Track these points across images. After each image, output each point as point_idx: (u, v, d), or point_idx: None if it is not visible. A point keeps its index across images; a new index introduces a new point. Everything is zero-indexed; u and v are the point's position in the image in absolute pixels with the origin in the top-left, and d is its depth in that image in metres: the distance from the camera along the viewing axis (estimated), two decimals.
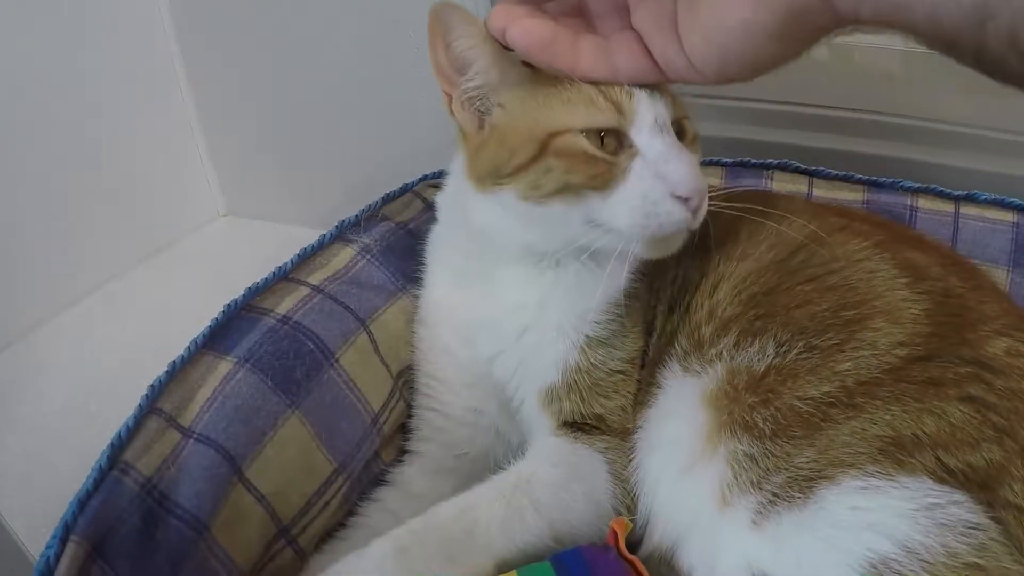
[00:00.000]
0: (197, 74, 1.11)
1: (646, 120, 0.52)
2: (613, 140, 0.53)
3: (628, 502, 0.57)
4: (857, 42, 1.21)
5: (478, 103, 0.55)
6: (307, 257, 0.64)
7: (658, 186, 0.51)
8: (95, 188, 1.03)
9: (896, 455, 0.46)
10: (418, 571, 0.48)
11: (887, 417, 0.48)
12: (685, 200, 0.51)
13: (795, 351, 0.52)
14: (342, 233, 0.66)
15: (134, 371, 0.84)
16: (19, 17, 0.94)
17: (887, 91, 0.89)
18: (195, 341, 0.57)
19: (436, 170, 0.73)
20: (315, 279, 0.62)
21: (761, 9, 0.42)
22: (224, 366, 0.56)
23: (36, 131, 0.96)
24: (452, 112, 0.56)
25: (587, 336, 0.59)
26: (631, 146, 0.53)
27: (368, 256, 0.65)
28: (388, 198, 0.71)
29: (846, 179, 0.78)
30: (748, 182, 0.78)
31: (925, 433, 0.47)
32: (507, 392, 0.62)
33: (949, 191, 0.76)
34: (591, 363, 0.58)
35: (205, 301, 0.92)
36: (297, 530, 0.57)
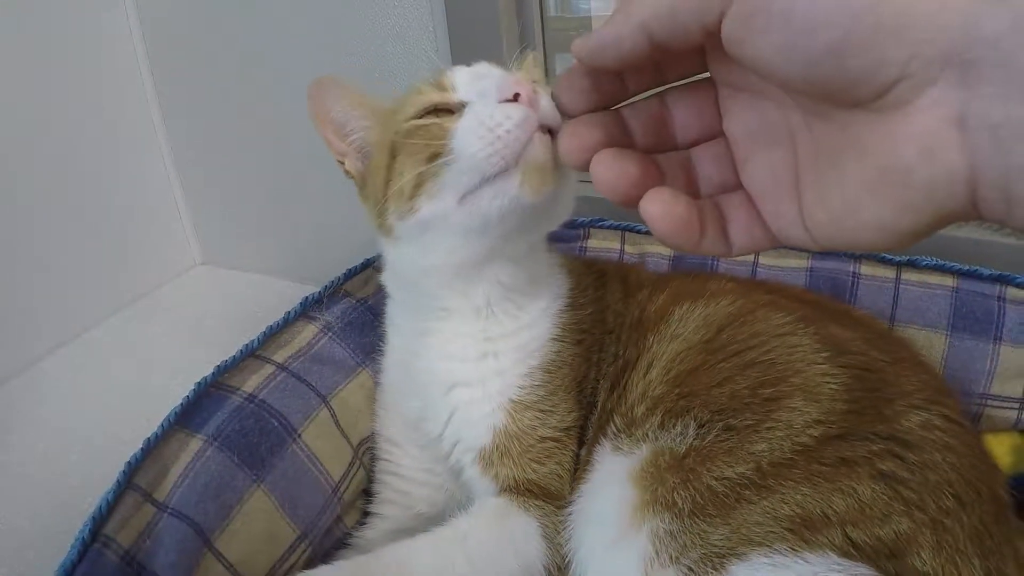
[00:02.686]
0: (175, 126, 1.13)
1: (470, 91, 0.56)
2: (444, 112, 0.56)
3: (559, 563, 0.61)
4: None
5: (362, 152, 0.63)
6: (273, 334, 0.68)
7: (486, 106, 0.52)
8: (73, 237, 1.05)
9: (803, 533, 0.50)
10: None
11: (797, 497, 0.51)
12: (515, 98, 0.51)
13: (714, 432, 0.56)
14: (306, 310, 0.71)
15: (112, 418, 0.88)
16: (0, 71, 0.95)
17: None
18: (168, 419, 0.61)
19: None
20: (280, 356, 0.67)
21: (906, 215, 0.34)
22: (195, 444, 0.60)
23: (14, 180, 0.98)
24: (347, 172, 0.64)
25: (511, 400, 0.62)
26: (461, 106, 0.55)
27: (330, 333, 0.70)
28: (350, 274, 0.75)
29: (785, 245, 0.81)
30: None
31: (834, 511, 0.50)
32: (446, 454, 0.66)
33: (891, 257, 0.78)
34: (519, 428, 0.62)
35: (181, 349, 0.95)
36: None
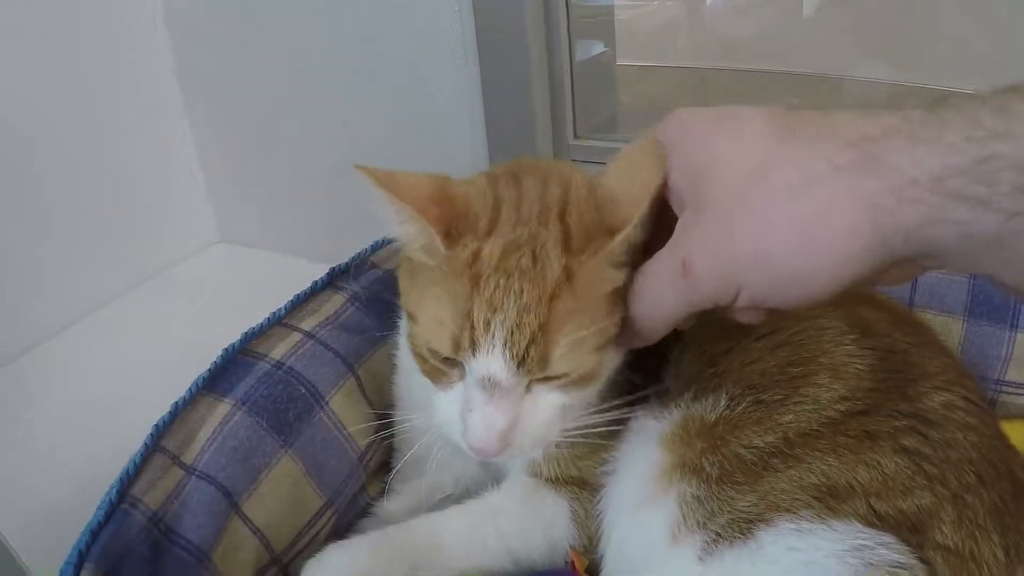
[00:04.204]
0: (196, 102, 1.13)
1: (477, 369, 0.51)
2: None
3: (586, 543, 0.61)
4: (842, 74, 1.26)
5: None
6: (300, 303, 0.68)
7: (456, 423, 0.53)
8: (91, 212, 1.06)
9: (829, 501, 0.51)
10: (384, 570, 0.55)
11: (823, 467, 0.52)
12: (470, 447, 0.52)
13: (743, 404, 0.56)
14: (332, 280, 0.71)
15: (127, 394, 0.88)
16: (23, 45, 0.96)
17: None
18: (196, 384, 0.62)
19: None
20: (307, 325, 0.67)
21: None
22: (222, 408, 0.61)
23: (35, 155, 0.99)
24: None
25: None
26: (464, 368, 0.53)
27: (357, 303, 0.70)
28: (376, 246, 0.76)
29: None
30: None
31: (859, 482, 0.51)
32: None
33: None
34: (576, 444, 0.60)
35: (197, 327, 0.95)
36: (288, 558, 0.62)
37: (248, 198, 1.18)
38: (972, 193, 0.40)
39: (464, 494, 0.67)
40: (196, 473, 0.58)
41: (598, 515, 0.61)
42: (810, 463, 0.53)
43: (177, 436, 0.59)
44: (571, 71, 1.03)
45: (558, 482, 0.62)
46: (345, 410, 0.65)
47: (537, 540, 0.60)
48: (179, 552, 0.55)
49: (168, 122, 1.14)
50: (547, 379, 0.52)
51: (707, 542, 0.53)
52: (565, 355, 0.50)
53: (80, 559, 0.52)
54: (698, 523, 0.53)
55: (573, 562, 0.59)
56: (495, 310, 0.49)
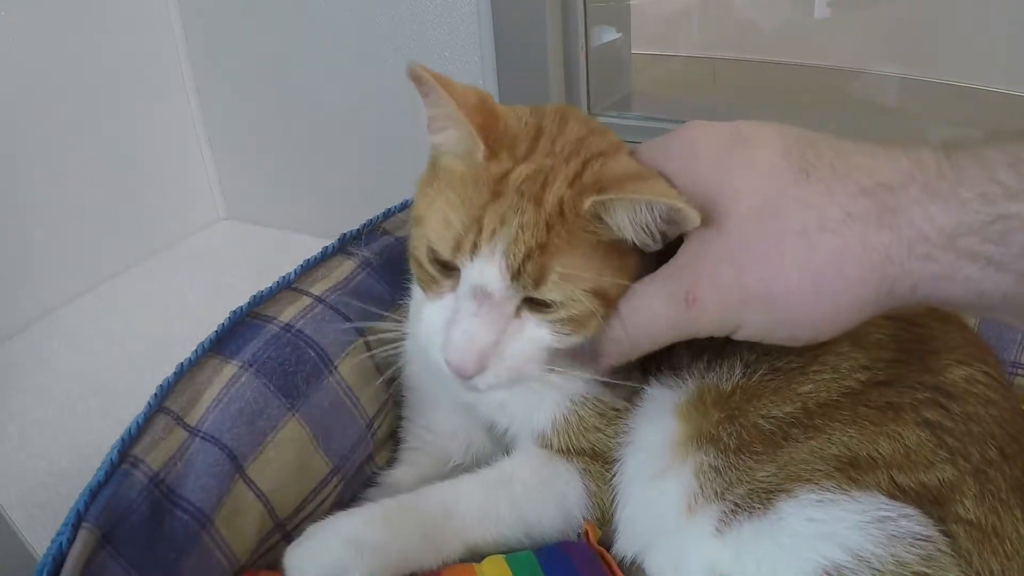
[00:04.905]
0: (203, 78, 1.13)
1: (471, 275, 0.51)
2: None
3: (599, 516, 0.60)
4: (854, 68, 1.26)
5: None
6: (310, 268, 0.67)
7: (439, 333, 0.52)
8: (97, 187, 1.06)
9: (851, 473, 0.50)
10: (396, 539, 0.53)
11: (844, 438, 0.51)
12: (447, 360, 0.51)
13: (760, 372, 0.55)
14: (344, 246, 0.70)
15: (130, 368, 0.87)
16: (33, 20, 0.96)
17: (883, 122, 0.93)
18: (202, 345, 0.60)
19: None
20: (317, 289, 0.66)
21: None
22: (229, 369, 0.59)
23: (42, 129, 0.98)
24: None
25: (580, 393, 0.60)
26: (458, 276, 0.52)
27: (368, 269, 0.69)
28: (389, 213, 0.74)
29: None
30: None
31: (880, 455, 0.50)
32: (496, 428, 0.65)
33: None
34: (584, 414, 0.60)
35: (201, 303, 0.95)
36: (292, 525, 0.60)
37: (255, 175, 1.18)
38: (984, 252, 0.40)
39: (473, 464, 0.66)
40: (200, 435, 0.56)
41: (612, 487, 0.60)
42: (830, 434, 0.52)
43: (181, 397, 0.58)
44: (587, 57, 1.02)
45: (569, 453, 0.61)
46: (354, 376, 0.64)
47: (551, 511, 0.59)
48: (180, 514, 0.54)
49: (176, 99, 1.14)
50: (538, 309, 0.51)
51: (724, 513, 0.52)
52: (558, 283, 0.50)
53: (78, 519, 0.50)
54: (715, 494, 0.52)
55: (587, 532, 0.58)
56: (503, 223, 0.50)
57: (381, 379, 0.66)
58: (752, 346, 0.56)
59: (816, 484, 0.50)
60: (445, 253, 0.51)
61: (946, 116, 1.01)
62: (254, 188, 1.18)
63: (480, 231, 0.50)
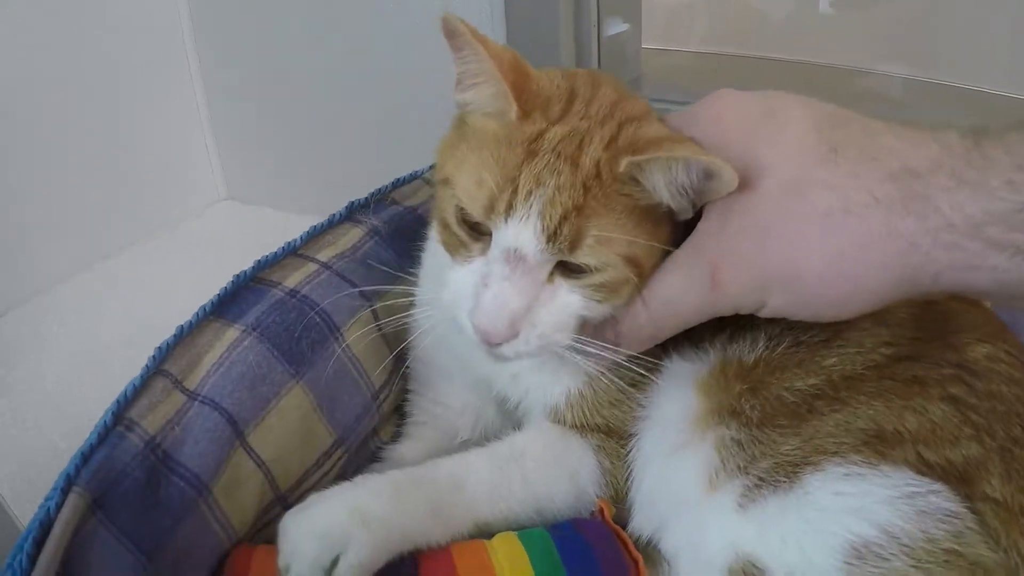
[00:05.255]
0: (205, 58, 1.12)
1: (504, 237, 0.49)
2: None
3: (612, 493, 0.58)
4: (858, 67, 1.26)
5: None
6: (316, 235, 0.65)
7: (467, 298, 0.50)
8: (97, 166, 1.04)
9: (878, 447, 0.49)
10: (403, 512, 0.51)
11: (870, 412, 0.50)
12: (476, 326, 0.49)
13: (783, 345, 0.54)
14: (351, 214, 0.68)
15: (126, 347, 0.85)
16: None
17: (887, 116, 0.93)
18: (203, 308, 0.58)
19: None
20: (323, 256, 0.63)
21: None
22: (231, 333, 0.57)
23: (42, 108, 0.97)
24: None
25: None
26: (489, 240, 0.50)
27: (377, 237, 0.67)
28: (398, 183, 0.72)
29: None
30: None
31: (907, 429, 0.49)
32: (508, 402, 0.63)
33: None
34: (600, 389, 0.58)
35: (200, 284, 0.92)
36: (293, 498, 0.57)
37: (256, 156, 1.16)
38: (1011, 241, 0.40)
39: (481, 441, 0.64)
40: (199, 399, 0.54)
41: (627, 464, 0.58)
42: (856, 408, 0.51)
43: (181, 360, 0.55)
44: (599, 48, 1.02)
45: (583, 429, 0.59)
46: (360, 344, 0.62)
47: (563, 487, 0.57)
48: (177, 481, 0.51)
49: (178, 79, 1.13)
50: (572, 274, 0.50)
51: (748, 488, 0.50)
52: (594, 247, 0.48)
53: (68, 482, 0.47)
54: (738, 468, 0.51)
55: (601, 509, 0.56)
56: (539, 184, 0.48)
57: (389, 352, 0.64)
58: (775, 319, 0.55)
59: (843, 457, 0.48)
60: (477, 214, 0.49)
61: (948, 119, 1.00)
62: (255, 168, 1.17)
63: (515, 191, 0.48)
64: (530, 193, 0.48)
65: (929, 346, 0.53)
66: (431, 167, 0.76)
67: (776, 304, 0.48)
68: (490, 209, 0.49)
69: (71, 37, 0.99)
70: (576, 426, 0.59)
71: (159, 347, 0.56)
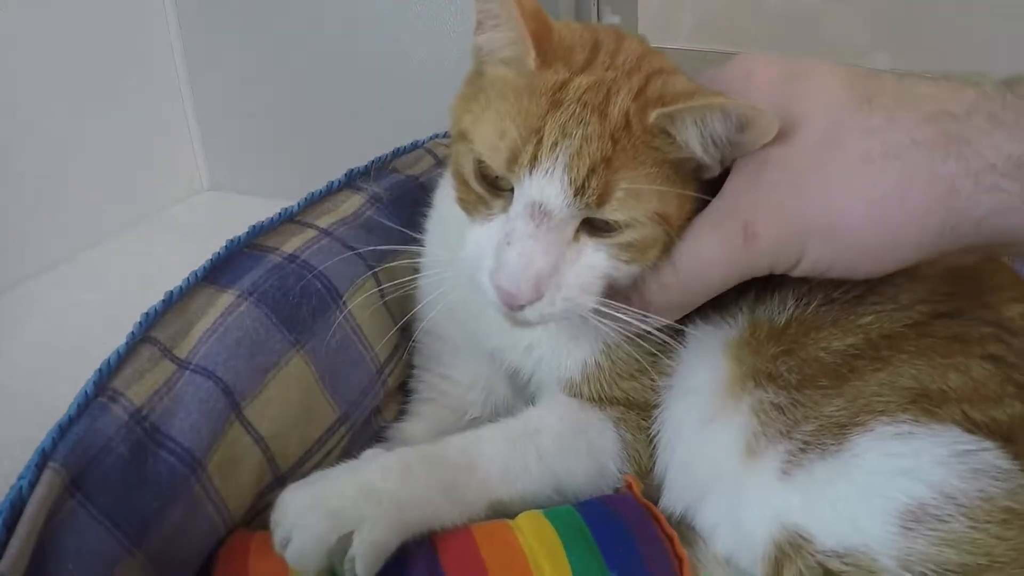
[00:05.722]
0: (189, 45, 1.11)
1: (529, 191, 0.46)
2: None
3: (635, 468, 0.55)
4: (846, 59, 1.26)
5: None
6: (314, 201, 0.61)
7: (488, 258, 0.47)
8: (79, 155, 1.01)
9: (925, 405, 0.46)
10: (415, 491, 0.46)
11: (913, 371, 0.48)
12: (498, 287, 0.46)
13: (815, 303, 0.52)
14: (351, 181, 0.64)
15: (107, 338, 0.81)
16: None
17: None
18: (194, 273, 0.53)
19: (445, 131, 0.71)
20: (323, 222, 0.59)
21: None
22: (226, 298, 0.52)
23: (23, 96, 0.95)
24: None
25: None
26: (510, 196, 0.47)
27: (378, 204, 0.63)
28: (399, 152, 0.69)
29: None
30: None
31: (951, 387, 0.47)
32: (520, 375, 0.59)
33: None
34: (618, 359, 0.55)
35: (181, 275, 0.90)
36: (294, 480, 0.52)
37: (239, 145, 1.14)
38: None
39: (492, 419, 0.60)
40: (191, 367, 0.49)
41: (652, 437, 0.54)
42: (898, 367, 0.48)
43: (170, 327, 0.51)
44: None
45: (601, 402, 0.55)
46: (364, 314, 0.57)
47: (582, 463, 0.53)
48: (166, 456, 0.46)
49: (161, 68, 1.11)
50: (598, 232, 0.47)
51: (791, 453, 0.47)
52: (623, 201, 0.45)
53: (43, 458, 0.42)
54: (780, 433, 0.48)
55: (629, 484, 0.52)
56: (565, 135, 0.45)
57: (394, 323, 0.60)
58: (803, 278, 0.53)
59: (892, 416, 0.46)
60: (499, 167, 0.46)
61: None
62: (238, 158, 1.14)
63: (540, 142, 0.45)
64: (555, 144, 0.45)
65: (966, 304, 0.52)
66: (432, 137, 0.73)
67: (814, 258, 0.45)
68: (513, 161, 0.46)
69: (53, 27, 0.97)
70: (593, 399, 0.55)
71: (146, 313, 0.51)
